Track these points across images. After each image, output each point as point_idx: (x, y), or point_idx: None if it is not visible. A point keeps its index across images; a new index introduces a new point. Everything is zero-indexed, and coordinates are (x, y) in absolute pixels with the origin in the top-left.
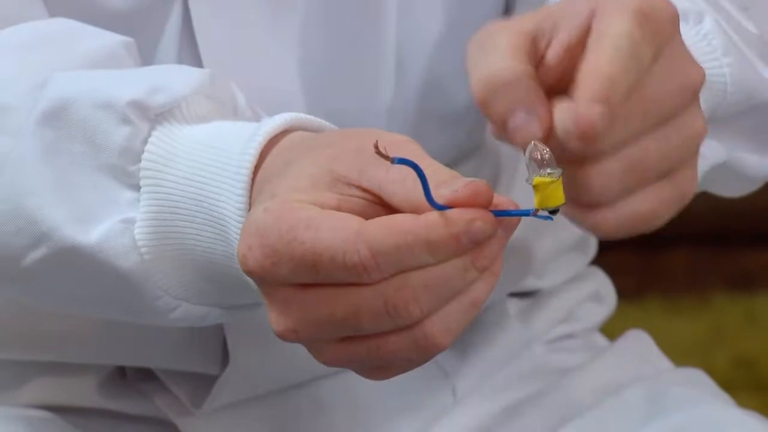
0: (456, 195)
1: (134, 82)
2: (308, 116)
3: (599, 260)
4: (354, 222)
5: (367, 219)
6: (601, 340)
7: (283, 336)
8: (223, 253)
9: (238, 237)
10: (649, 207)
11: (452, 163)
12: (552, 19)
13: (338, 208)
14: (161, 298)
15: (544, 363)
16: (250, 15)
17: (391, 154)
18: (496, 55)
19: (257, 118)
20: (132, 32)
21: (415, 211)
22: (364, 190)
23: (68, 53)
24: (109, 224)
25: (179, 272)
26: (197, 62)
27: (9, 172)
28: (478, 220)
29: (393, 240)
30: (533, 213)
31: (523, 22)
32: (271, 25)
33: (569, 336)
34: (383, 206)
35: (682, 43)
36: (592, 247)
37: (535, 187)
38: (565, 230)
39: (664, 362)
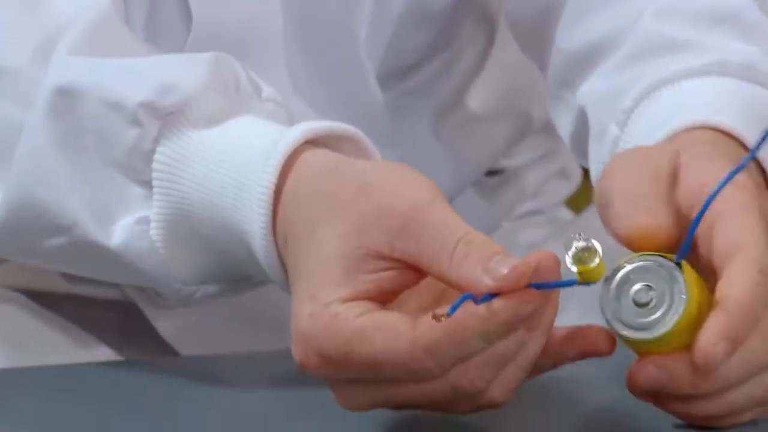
0: (501, 284)
1: (144, 80)
2: (322, 124)
3: None
4: (405, 329)
5: (402, 285)
6: (566, 214)
7: (352, 410)
8: (246, 258)
9: (262, 249)
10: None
11: (423, 61)
12: (677, 166)
13: (379, 288)
14: (181, 290)
15: (511, 239)
16: None
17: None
18: (651, 204)
19: (257, 91)
20: None
21: (449, 283)
22: (397, 260)
23: (62, 16)
24: (126, 225)
25: (197, 266)
26: None
27: (23, 160)
28: (524, 303)
29: (450, 340)
30: (577, 283)
31: (663, 154)
32: None
33: (536, 212)
34: (416, 270)
35: None
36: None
37: (580, 273)
38: (533, 116)
39: None
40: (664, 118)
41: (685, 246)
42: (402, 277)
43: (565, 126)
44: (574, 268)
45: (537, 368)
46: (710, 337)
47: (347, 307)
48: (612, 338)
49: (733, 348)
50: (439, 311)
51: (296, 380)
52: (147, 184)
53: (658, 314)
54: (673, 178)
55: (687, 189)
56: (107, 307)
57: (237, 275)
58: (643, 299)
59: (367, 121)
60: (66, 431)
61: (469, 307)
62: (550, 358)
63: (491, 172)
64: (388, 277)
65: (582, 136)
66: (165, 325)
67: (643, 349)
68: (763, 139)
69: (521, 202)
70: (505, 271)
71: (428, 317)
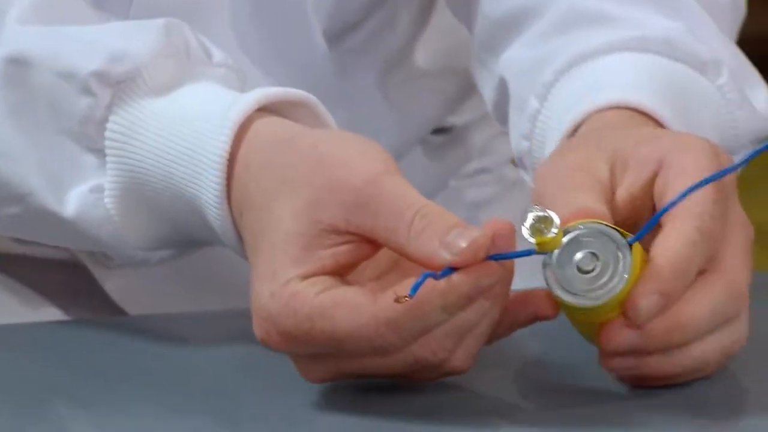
0: (460, 259)
1: (95, 49)
2: (275, 90)
3: None
4: (366, 304)
5: (360, 258)
6: (513, 172)
7: (315, 382)
8: (200, 225)
9: (217, 218)
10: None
11: (365, 18)
12: (622, 161)
13: (336, 263)
14: (137, 255)
15: (458, 197)
16: None
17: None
18: (586, 197)
19: (209, 56)
20: None
21: (407, 256)
22: (353, 234)
23: None
24: (80, 193)
25: (152, 233)
26: None
27: None
28: (484, 276)
29: (411, 315)
30: (535, 253)
31: (598, 164)
32: None
33: (483, 170)
34: (372, 242)
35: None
36: None
37: (538, 244)
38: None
39: None
40: (583, 94)
41: (645, 228)
42: (359, 250)
43: (487, 92)
44: (532, 240)
45: (494, 335)
46: (641, 292)
47: (306, 284)
48: (555, 302)
49: (665, 302)
50: (400, 291)
51: (245, 339)
52: (100, 153)
53: (597, 284)
54: (611, 182)
55: (646, 161)
56: (54, 268)
57: (192, 241)
58: (586, 266)
59: (314, 80)
60: (13, 390)
61: (430, 281)
62: (507, 324)
63: (438, 131)
64: (344, 251)
65: (503, 104)
66: (113, 285)
67: (576, 314)
68: (752, 156)
69: (468, 160)
70: (463, 244)
71: (389, 294)
